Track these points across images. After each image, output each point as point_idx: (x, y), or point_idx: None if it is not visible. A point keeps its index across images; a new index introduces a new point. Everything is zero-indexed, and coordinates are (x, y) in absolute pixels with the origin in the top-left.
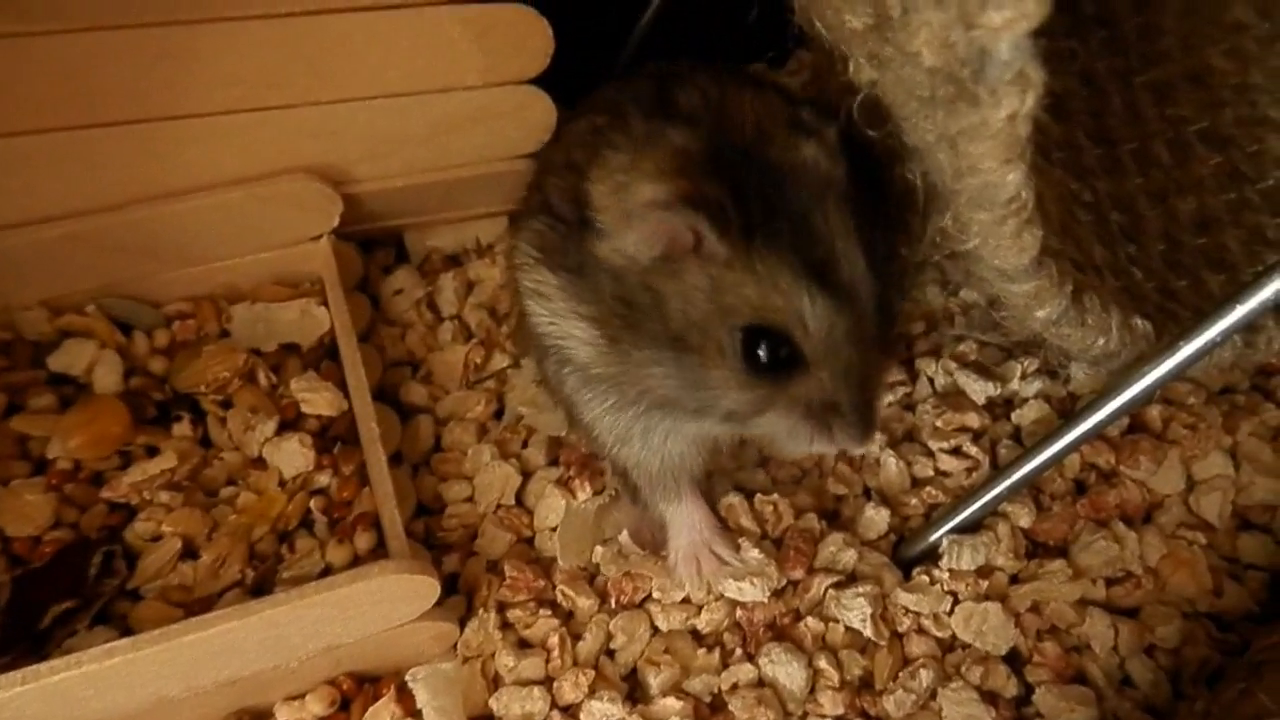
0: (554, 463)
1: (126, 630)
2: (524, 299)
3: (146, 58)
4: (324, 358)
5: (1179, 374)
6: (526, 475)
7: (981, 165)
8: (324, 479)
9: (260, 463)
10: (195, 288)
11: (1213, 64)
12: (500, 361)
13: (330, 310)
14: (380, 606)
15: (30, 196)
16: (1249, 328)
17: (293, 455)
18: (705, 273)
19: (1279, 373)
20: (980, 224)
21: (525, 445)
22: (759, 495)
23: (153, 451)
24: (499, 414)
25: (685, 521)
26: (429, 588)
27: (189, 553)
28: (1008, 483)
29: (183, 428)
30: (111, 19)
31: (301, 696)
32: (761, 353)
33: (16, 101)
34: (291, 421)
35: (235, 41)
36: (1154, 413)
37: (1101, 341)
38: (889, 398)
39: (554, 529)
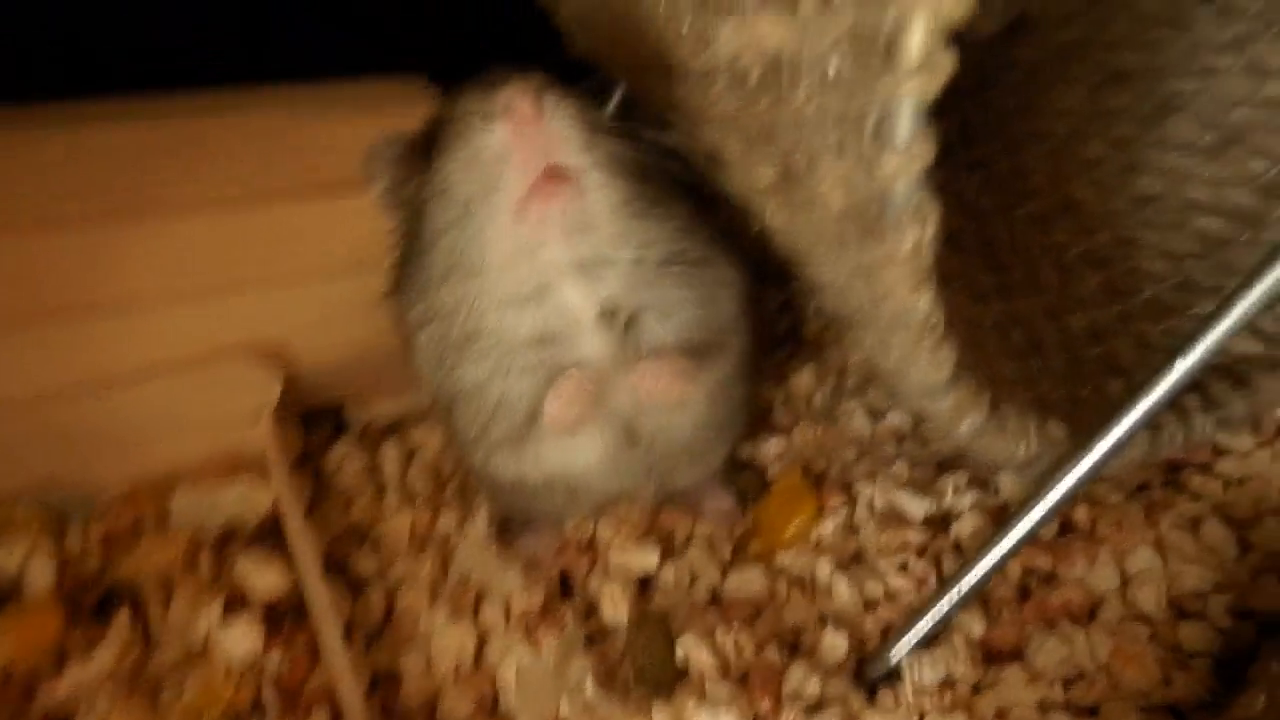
0: (509, 621)
1: None
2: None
3: (89, 249)
4: (268, 536)
5: (1097, 473)
6: (482, 637)
7: (895, 292)
8: (275, 659)
9: (207, 649)
10: (133, 474)
11: (1079, 195)
12: (447, 522)
13: (273, 488)
14: None
15: None
16: (1153, 425)
17: (240, 638)
18: None
19: (1187, 465)
20: (900, 344)
21: (478, 605)
22: (718, 630)
23: (92, 644)
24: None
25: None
26: None
27: None
28: (955, 595)
29: (122, 619)
30: (56, 215)
31: None
32: None
33: None
34: (238, 601)
35: (181, 231)
36: (1081, 513)
37: (1021, 449)
38: (833, 521)
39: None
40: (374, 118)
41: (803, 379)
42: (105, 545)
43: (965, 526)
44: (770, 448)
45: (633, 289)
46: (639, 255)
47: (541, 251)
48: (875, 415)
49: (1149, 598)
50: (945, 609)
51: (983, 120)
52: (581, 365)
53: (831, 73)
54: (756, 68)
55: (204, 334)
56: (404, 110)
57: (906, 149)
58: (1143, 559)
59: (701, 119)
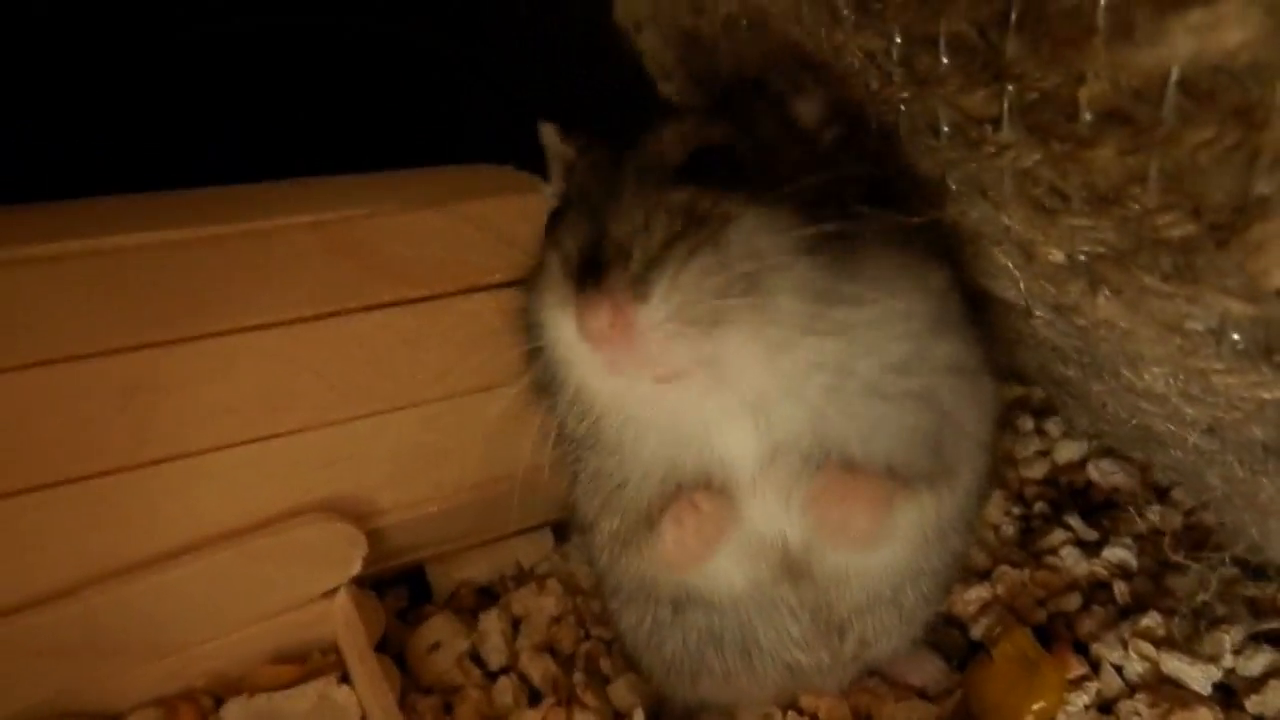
0: None
1: None
2: None
3: (110, 393)
4: None
5: None
6: None
7: None
8: None
9: None
10: (168, 684)
11: None
12: None
13: (356, 687)
14: None
15: None
16: None
17: None
18: None
19: None
20: None
21: None
22: None
23: None
24: None
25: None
26: None
27: None
28: None
29: None
30: (62, 350)
31: None
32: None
33: None
34: None
35: (227, 360)
36: None
37: None
38: (1081, 699)
39: None
40: (465, 205)
41: (990, 508)
42: None
43: (1272, 699)
44: (970, 597)
45: (825, 422)
46: (835, 383)
47: (669, 407)
48: (1087, 549)
49: None
50: None
51: None
52: (721, 473)
53: None
54: (1104, 98)
55: (260, 492)
56: (494, 198)
57: None
58: None
59: (950, 185)
